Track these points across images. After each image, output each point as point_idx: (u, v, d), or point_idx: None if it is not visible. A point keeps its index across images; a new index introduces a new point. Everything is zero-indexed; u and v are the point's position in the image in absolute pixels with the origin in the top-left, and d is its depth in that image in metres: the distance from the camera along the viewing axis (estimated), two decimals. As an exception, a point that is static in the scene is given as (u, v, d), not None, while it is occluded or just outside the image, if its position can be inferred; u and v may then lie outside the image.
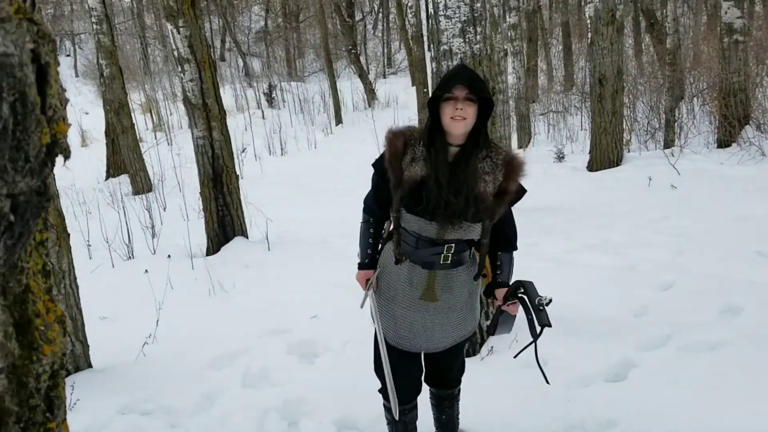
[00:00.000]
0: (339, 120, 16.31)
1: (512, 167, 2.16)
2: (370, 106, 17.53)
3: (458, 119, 2.07)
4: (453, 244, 2.23)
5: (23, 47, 0.50)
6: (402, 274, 2.31)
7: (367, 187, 2.47)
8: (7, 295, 0.54)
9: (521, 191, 2.22)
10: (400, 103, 16.74)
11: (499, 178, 2.14)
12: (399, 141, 2.19)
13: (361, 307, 2.60)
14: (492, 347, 3.69)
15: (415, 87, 15.78)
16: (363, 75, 18.38)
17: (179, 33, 6.03)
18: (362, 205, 2.49)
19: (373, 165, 2.33)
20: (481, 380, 3.23)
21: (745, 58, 8.92)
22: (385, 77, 22.33)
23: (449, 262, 2.26)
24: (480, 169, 2.13)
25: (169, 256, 5.74)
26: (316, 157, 13.27)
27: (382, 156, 2.27)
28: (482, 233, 2.24)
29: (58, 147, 0.56)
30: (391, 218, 2.30)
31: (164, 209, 8.71)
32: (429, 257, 2.25)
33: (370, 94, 17.90)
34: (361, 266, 2.49)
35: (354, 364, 3.54)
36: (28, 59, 0.51)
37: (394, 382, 2.40)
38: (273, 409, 3.20)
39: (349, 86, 18.82)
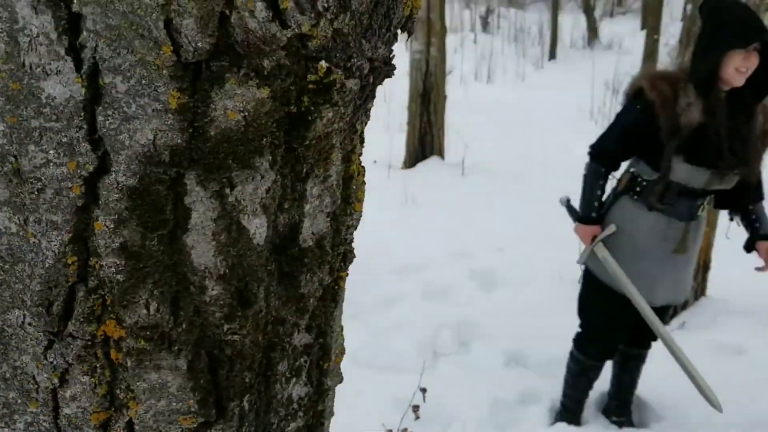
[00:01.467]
0: (553, 55, 15.56)
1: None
2: (589, 46, 16.47)
3: (743, 72, 1.99)
4: (712, 195, 2.23)
5: None
6: (656, 229, 2.24)
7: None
8: (343, 149, 0.59)
9: None
10: (624, 48, 15.50)
11: (760, 120, 2.13)
12: (665, 86, 2.07)
13: (580, 262, 2.49)
14: (684, 322, 3.45)
15: (644, 32, 14.48)
16: (589, 10, 17.21)
17: (418, -56, 6.02)
18: (589, 153, 2.32)
19: (631, 112, 2.20)
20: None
21: None
22: (612, 16, 20.72)
23: (703, 212, 2.27)
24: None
25: (375, 161, 6.03)
26: (523, 90, 12.88)
27: (639, 104, 2.14)
28: (748, 175, 2.16)
29: (410, 21, 0.58)
30: (661, 167, 2.15)
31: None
32: (689, 209, 2.23)
33: (593, 32, 16.77)
34: (587, 221, 2.34)
35: (534, 306, 3.51)
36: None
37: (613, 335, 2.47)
38: (447, 326, 3.31)
39: (570, 21, 17.74)
